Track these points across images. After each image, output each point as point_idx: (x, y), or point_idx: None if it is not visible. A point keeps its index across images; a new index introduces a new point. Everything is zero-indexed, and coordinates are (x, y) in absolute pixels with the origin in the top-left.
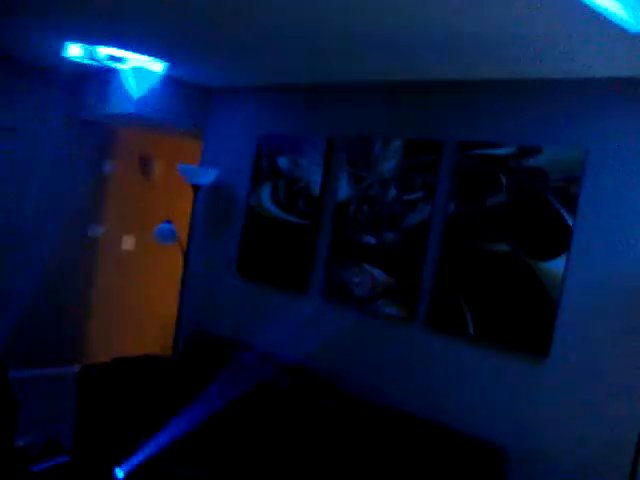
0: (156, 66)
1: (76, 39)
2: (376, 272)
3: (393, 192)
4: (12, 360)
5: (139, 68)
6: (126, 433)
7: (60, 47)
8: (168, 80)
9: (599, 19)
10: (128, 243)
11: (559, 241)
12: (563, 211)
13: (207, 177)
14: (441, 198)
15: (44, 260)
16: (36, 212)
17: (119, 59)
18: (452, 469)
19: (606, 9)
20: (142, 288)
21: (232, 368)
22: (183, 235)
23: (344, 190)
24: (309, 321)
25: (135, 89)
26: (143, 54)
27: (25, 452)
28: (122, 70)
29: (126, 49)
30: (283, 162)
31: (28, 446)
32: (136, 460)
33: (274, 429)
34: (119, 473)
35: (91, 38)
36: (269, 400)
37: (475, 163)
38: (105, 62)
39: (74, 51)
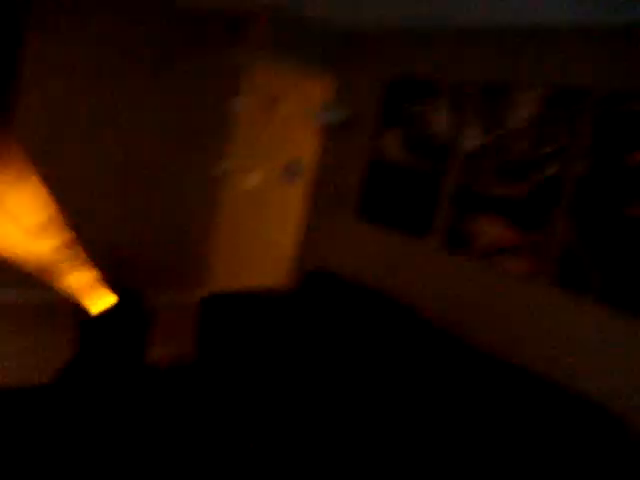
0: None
1: None
2: (501, 224)
3: (525, 144)
4: (142, 284)
5: None
6: (242, 363)
7: None
8: (306, 20)
9: None
10: (253, 180)
11: None
12: None
13: (335, 118)
14: (577, 153)
15: (172, 193)
16: (167, 146)
17: None
18: (569, 431)
19: None
20: (264, 224)
21: (350, 308)
22: (308, 174)
23: (472, 139)
24: (428, 267)
25: None
26: None
27: (155, 366)
28: None
29: None
30: (411, 109)
31: (157, 361)
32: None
33: (391, 373)
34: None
35: None
36: (385, 342)
37: (621, 117)
38: None
39: None
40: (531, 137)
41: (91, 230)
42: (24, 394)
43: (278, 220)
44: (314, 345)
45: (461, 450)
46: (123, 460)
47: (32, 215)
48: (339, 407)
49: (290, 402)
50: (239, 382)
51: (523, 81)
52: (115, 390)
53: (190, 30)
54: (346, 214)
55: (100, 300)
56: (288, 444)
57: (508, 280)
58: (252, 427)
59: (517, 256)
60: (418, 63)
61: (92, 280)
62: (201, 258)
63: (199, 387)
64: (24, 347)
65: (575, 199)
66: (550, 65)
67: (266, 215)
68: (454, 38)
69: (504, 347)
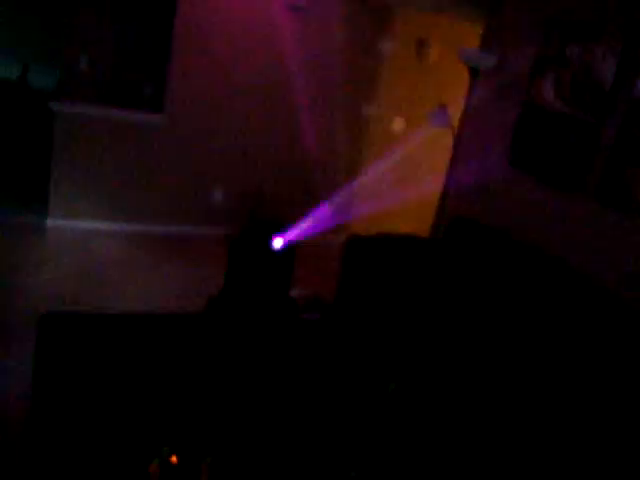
0: None
1: None
2: None
3: None
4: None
5: None
6: (380, 307)
7: None
8: None
9: None
10: (399, 124)
11: None
12: None
13: (487, 61)
14: None
15: (322, 134)
16: (316, 89)
17: None
18: None
19: None
20: (408, 170)
21: (494, 259)
22: (455, 121)
23: None
24: (580, 223)
25: None
26: None
27: (296, 302)
28: None
29: None
30: (573, 50)
31: (299, 298)
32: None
33: (542, 326)
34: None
35: None
36: (533, 294)
37: None
38: None
39: None
40: None
41: (247, 170)
42: (177, 321)
43: (427, 167)
44: (456, 291)
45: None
46: (261, 387)
47: None
48: (479, 358)
49: (426, 349)
50: (374, 325)
51: None
52: (259, 322)
53: None
54: (495, 162)
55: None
56: (428, 390)
57: None
58: (388, 369)
59: None
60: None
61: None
62: (346, 200)
63: (335, 327)
64: (179, 276)
65: None
66: None
67: (414, 160)
68: None
69: None
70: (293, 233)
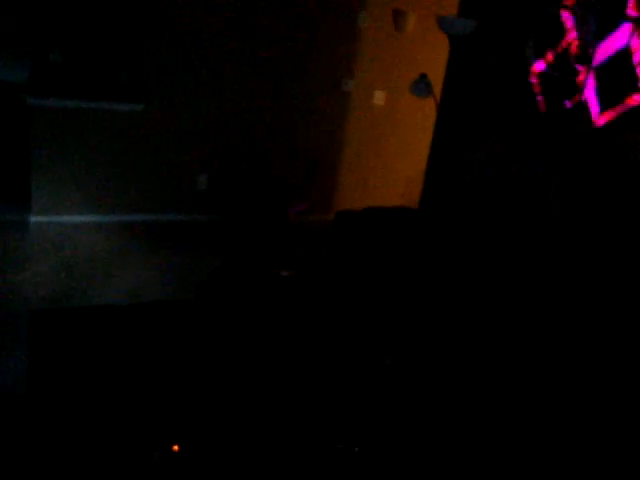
0: None
1: None
2: None
3: None
4: (270, 205)
5: None
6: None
7: None
8: None
9: None
10: (379, 98)
11: None
12: None
13: (465, 28)
14: None
15: (302, 112)
16: (292, 65)
17: None
18: None
19: None
20: (391, 142)
21: (484, 223)
22: (437, 90)
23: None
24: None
25: None
26: None
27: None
28: None
29: None
30: (553, 10)
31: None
32: None
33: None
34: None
35: None
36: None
37: None
38: None
39: None
40: None
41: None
42: (167, 308)
43: (410, 139)
44: (444, 264)
45: None
46: (255, 368)
47: None
48: (472, 334)
49: (418, 323)
50: (365, 301)
51: None
52: (251, 302)
53: None
54: (480, 130)
55: None
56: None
57: None
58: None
59: None
60: None
61: None
62: (332, 178)
63: (325, 303)
64: (166, 265)
65: None
66: None
67: (396, 133)
68: None
69: None
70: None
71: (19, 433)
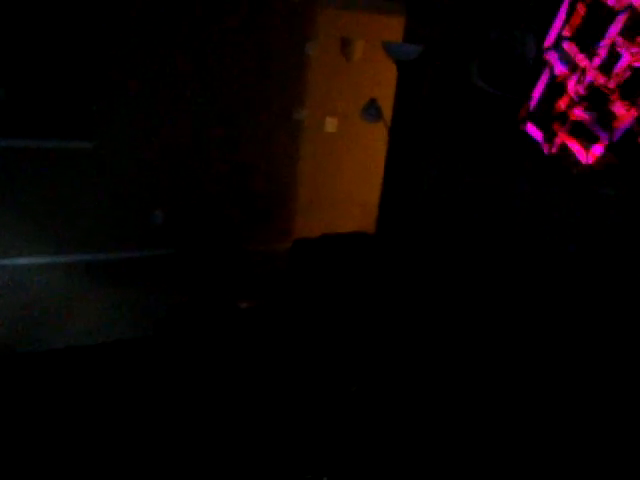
0: None
1: None
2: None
3: (626, 58)
4: (226, 236)
5: None
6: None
7: None
8: None
9: None
10: (331, 125)
11: None
12: None
13: (411, 53)
14: None
15: (255, 143)
16: (243, 95)
17: None
18: None
19: None
20: (346, 168)
21: (433, 246)
22: (387, 115)
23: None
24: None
25: None
26: None
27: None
28: None
29: None
30: (495, 35)
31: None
32: None
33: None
34: None
35: None
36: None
37: None
38: None
39: None
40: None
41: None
42: (127, 346)
43: (363, 164)
44: (393, 286)
45: None
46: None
47: None
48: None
49: (381, 348)
50: (328, 328)
51: None
52: (210, 334)
53: None
54: (429, 152)
55: None
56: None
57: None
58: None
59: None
60: None
61: None
62: (288, 207)
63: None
64: (125, 302)
65: None
66: None
67: (350, 159)
68: None
69: None
70: None
71: None
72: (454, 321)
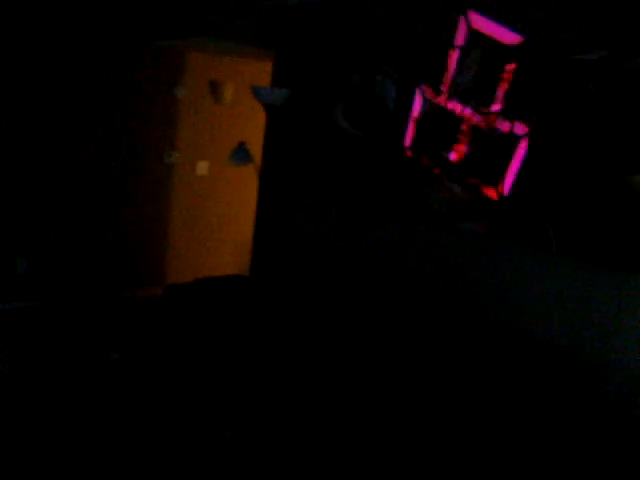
0: None
1: None
2: (454, 187)
3: (471, 105)
4: (95, 283)
5: None
6: (206, 352)
7: None
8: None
9: None
10: (202, 168)
11: None
12: None
13: (279, 97)
14: (524, 111)
15: (122, 187)
16: (113, 139)
17: None
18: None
19: None
20: (218, 212)
21: (311, 284)
22: (257, 157)
23: (418, 105)
24: (391, 236)
25: None
26: None
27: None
28: None
29: None
30: (357, 79)
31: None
32: None
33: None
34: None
35: None
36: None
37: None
38: None
39: None
40: (475, 98)
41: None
42: None
43: (236, 207)
44: (267, 328)
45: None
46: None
47: None
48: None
49: (258, 395)
50: (203, 373)
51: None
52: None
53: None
54: (299, 193)
55: None
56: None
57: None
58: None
59: (473, 218)
60: (357, 34)
61: None
62: (160, 252)
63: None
64: None
65: (528, 157)
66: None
67: (222, 202)
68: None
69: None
70: None
71: None
72: (327, 367)
